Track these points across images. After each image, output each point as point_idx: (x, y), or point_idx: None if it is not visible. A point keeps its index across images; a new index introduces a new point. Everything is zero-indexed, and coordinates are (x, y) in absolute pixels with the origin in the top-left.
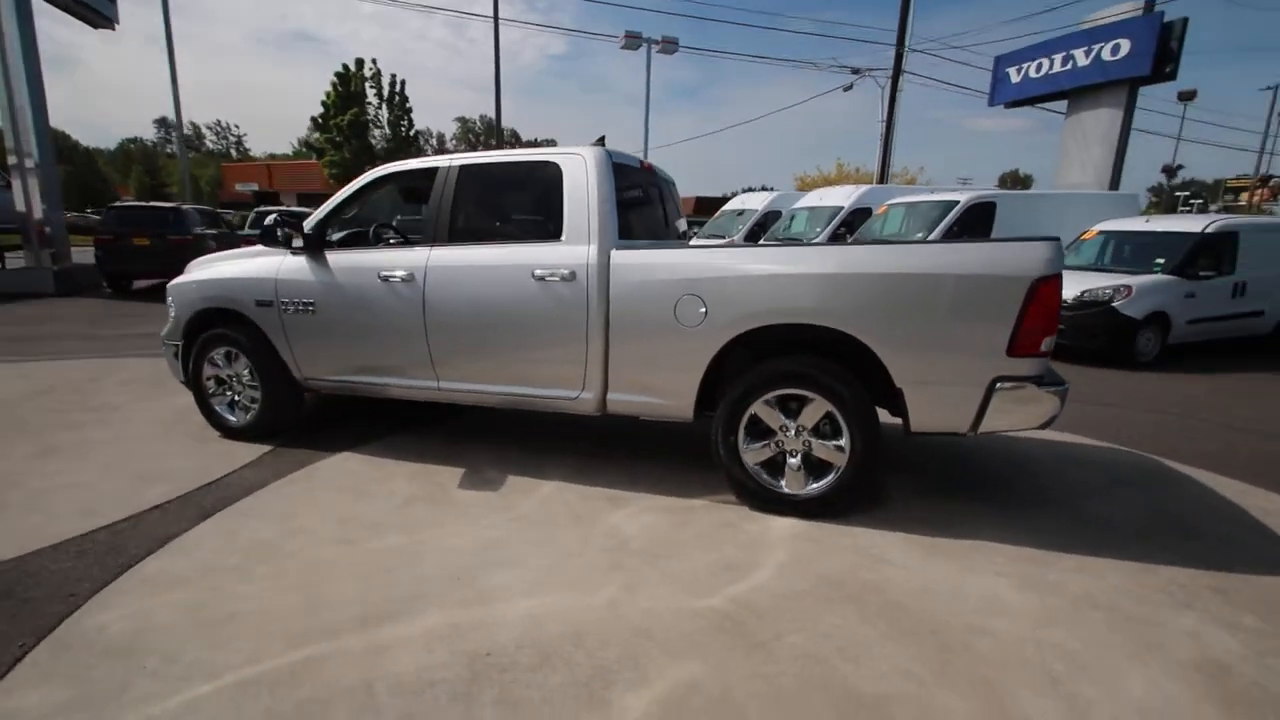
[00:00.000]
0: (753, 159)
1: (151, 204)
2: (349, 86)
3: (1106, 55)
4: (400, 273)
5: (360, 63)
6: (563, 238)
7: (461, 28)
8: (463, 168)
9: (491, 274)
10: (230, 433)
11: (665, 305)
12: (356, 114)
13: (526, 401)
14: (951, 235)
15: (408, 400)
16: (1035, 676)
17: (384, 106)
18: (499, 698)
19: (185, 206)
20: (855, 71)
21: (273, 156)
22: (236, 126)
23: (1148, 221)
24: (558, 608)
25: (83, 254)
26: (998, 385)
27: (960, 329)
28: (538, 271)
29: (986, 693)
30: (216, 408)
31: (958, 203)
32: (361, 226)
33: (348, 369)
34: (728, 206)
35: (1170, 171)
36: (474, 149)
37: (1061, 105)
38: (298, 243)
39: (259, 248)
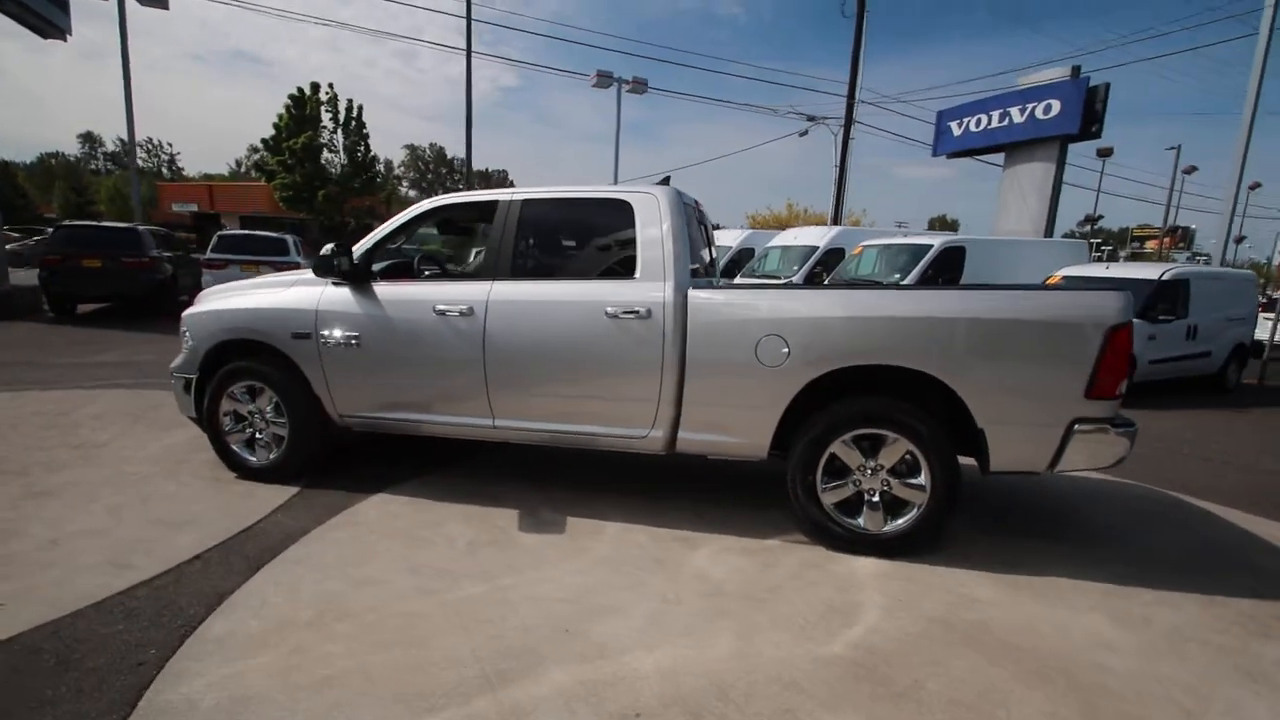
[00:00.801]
0: (702, 196)
1: (105, 224)
2: (304, 110)
3: (1040, 114)
4: (459, 306)
5: (316, 86)
6: (637, 275)
7: (412, 56)
8: (526, 202)
9: (560, 310)
10: (250, 473)
11: (746, 345)
12: (311, 137)
13: (589, 440)
14: (926, 278)
15: (446, 438)
16: (1173, 714)
17: (339, 131)
18: None
19: (141, 227)
20: (811, 119)
21: (208, 177)
22: (169, 145)
23: (1108, 269)
24: (683, 660)
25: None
26: (1076, 427)
27: (1041, 372)
28: (610, 309)
29: None
30: (233, 446)
31: (931, 246)
32: (397, 258)
33: (392, 405)
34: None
35: (1092, 221)
36: (423, 177)
37: (993, 157)
38: (340, 274)
39: (287, 276)
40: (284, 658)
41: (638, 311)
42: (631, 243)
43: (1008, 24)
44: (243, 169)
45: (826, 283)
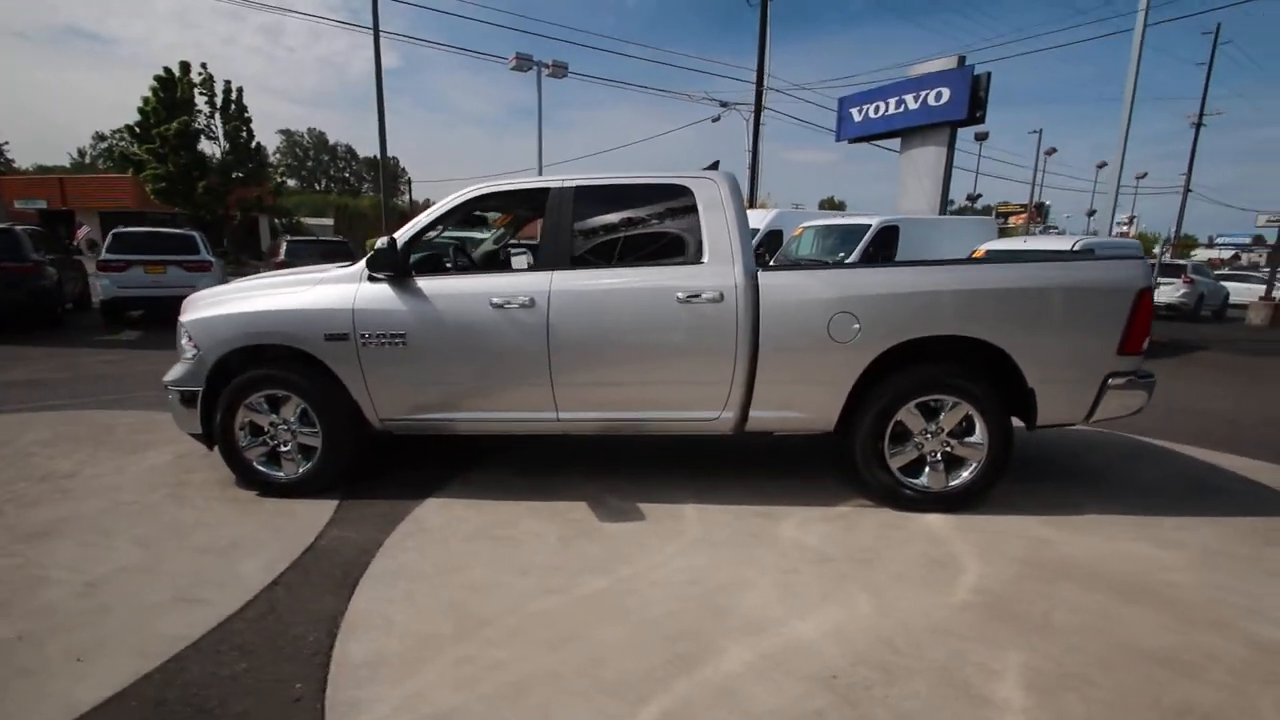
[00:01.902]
0: None
1: None
2: (174, 92)
3: (931, 101)
4: (519, 299)
5: (186, 66)
6: (705, 259)
7: (277, 34)
8: (580, 189)
9: (629, 298)
10: (278, 489)
11: (819, 323)
12: (185, 123)
13: (658, 426)
14: (868, 255)
15: (499, 435)
16: (1243, 610)
17: (217, 115)
18: (892, 714)
19: (18, 228)
20: (724, 105)
21: (44, 169)
22: None
23: (1025, 241)
24: (839, 622)
25: None
26: (1110, 380)
27: (1082, 334)
28: (681, 294)
29: (1233, 633)
30: (254, 462)
31: (869, 226)
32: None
33: (443, 405)
34: None
35: (973, 199)
36: (302, 164)
37: (889, 143)
38: (380, 268)
39: (306, 273)
40: (455, 670)
41: (710, 295)
42: (695, 227)
43: (895, 17)
44: (88, 160)
45: (770, 261)
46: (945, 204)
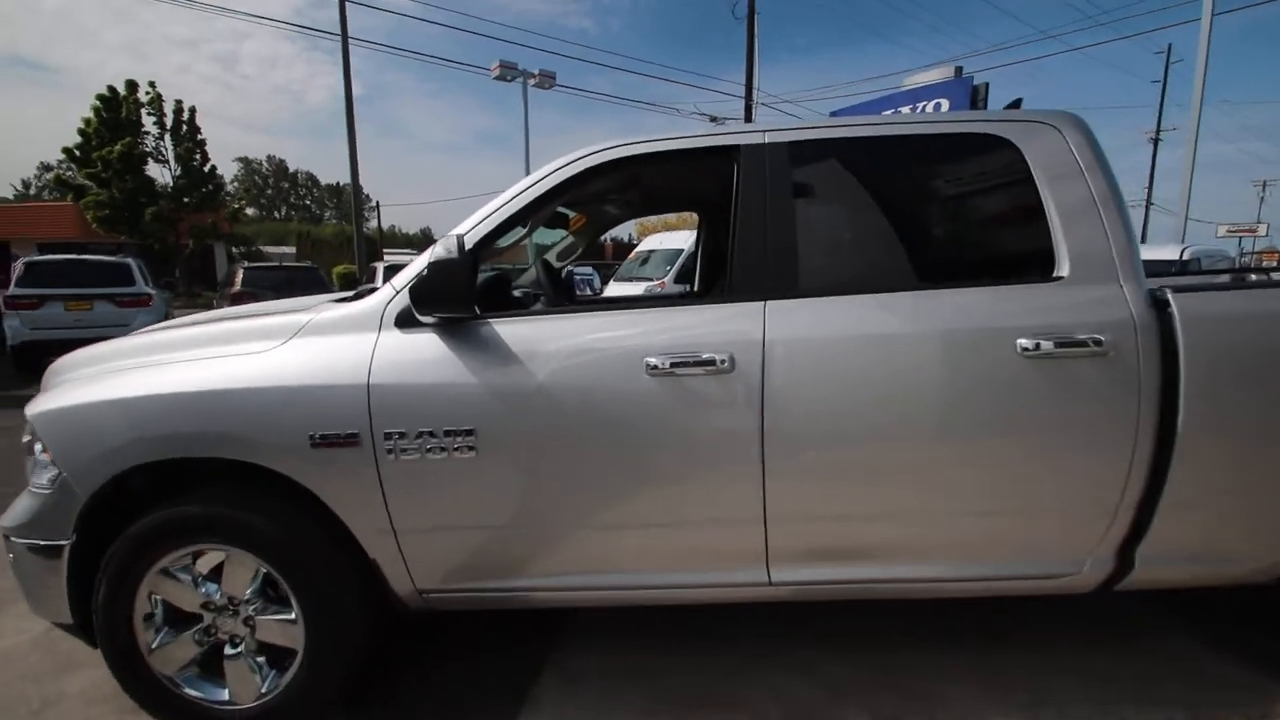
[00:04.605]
0: None
1: None
2: (119, 113)
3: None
4: (703, 355)
5: (133, 85)
6: (1063, 273)
7: (232, 63)
8: (801, 146)
9: (922, 351)
10: None
11: None
12: (130, 144)
13: (957, 588)
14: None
15: (622, 605)
16: None
17: (167, 136)
18: None
19: None
20: (714, 119)
21: None
22: None
23: None
24: None
25: None
26: None
27: None
28: (1027, 341)
29: None
30: (175, 678)
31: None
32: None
33: (543, 563)
34: (644, 246)
35: None
36: (260, 193)
37: None
38: (432, 304)
39: (272, 316)
40: None
41: (1084, 339)
42: (1031, 214)
43: (881, 37)
44: (32, 190)
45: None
46: None
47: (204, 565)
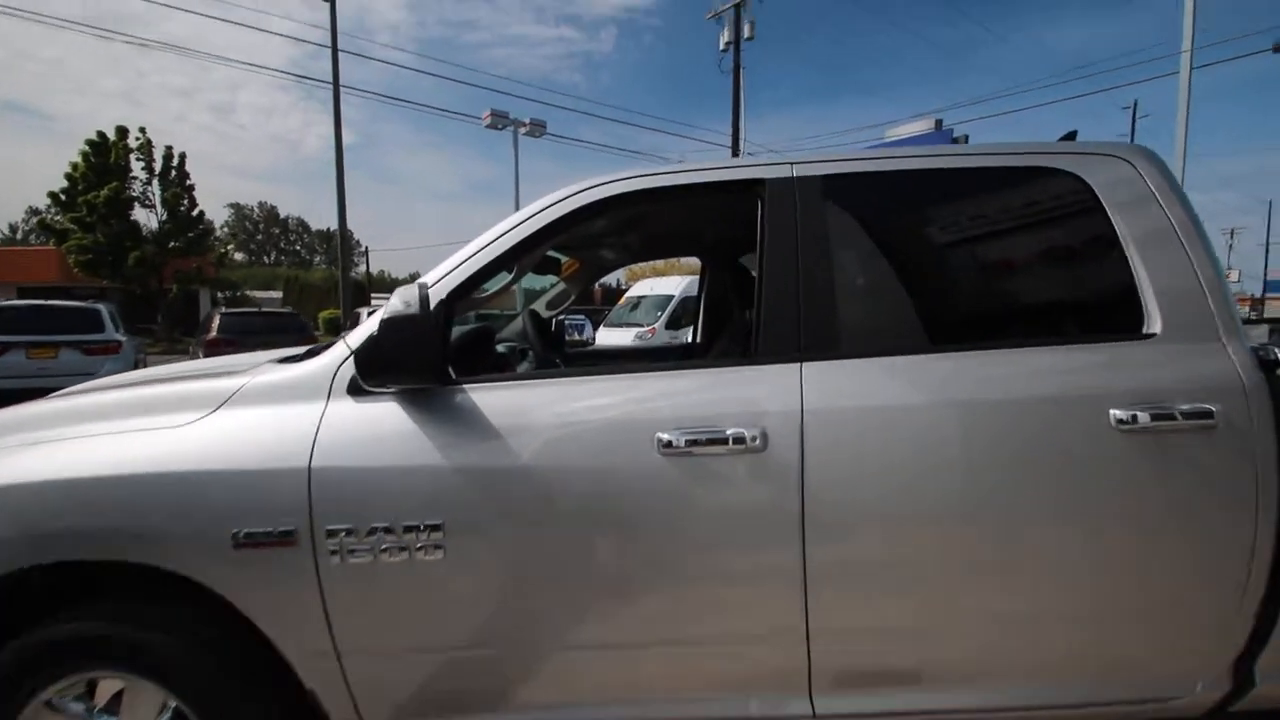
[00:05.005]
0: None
1: None
2: (107, 158)
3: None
4: (728, 431)
5: (123, 131)
6: (1154, 329)
7: (227, 112)
8: (831, 180)
9: (993, 422)
10: None
11: None
12: (117, 188)
13: (1045, 716)
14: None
15: None
16: None
17: (155, 181)
18: None
19: None
20: None
21: None
22: None
23: None
24: None
25: None
26: None
27: None
28: (1121, 412)
29: None
30: None
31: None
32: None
33: (525, 690)
34: (634, 292)
35: None
36: (251, 238)
37: None
38: (386, 372)
39: (195, 380)
40: None
41: (1189, 411)
42: (1109, 259)
43: (866, 92)
44: (19, 235)
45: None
46: None
47: (102, 695)
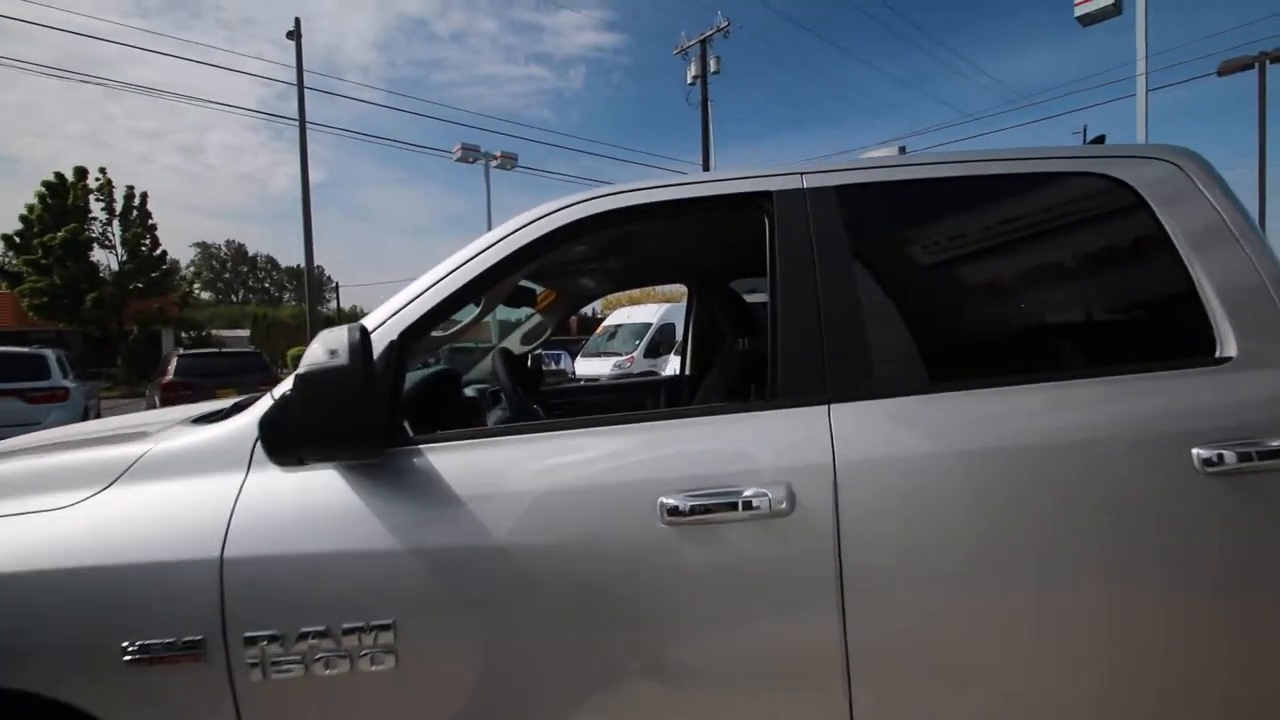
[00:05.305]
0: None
1: None
2: (65, 199)
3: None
4: (745, 492)
5: (82, 171)
6: (1230, 353)
7: (196, 153)
8: (848, 191)
9: (1061, 468)
10: None
11: None
12: (75, 229)
13: None
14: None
15: None
16: None
17: (115, 222)
18: None
19: None
20: None
21: None
22: None
23: None
24: None
25: None
26: None
27: None
28: (1204, 450)
29: None
30: None
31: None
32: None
33: None
34: (611, 320)
35: None
36: (218, 277)
37: None
38: (314, 442)
39: (71, 450)
40: None
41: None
42: (1168, 274)
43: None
44: None
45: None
46: None
47: None
